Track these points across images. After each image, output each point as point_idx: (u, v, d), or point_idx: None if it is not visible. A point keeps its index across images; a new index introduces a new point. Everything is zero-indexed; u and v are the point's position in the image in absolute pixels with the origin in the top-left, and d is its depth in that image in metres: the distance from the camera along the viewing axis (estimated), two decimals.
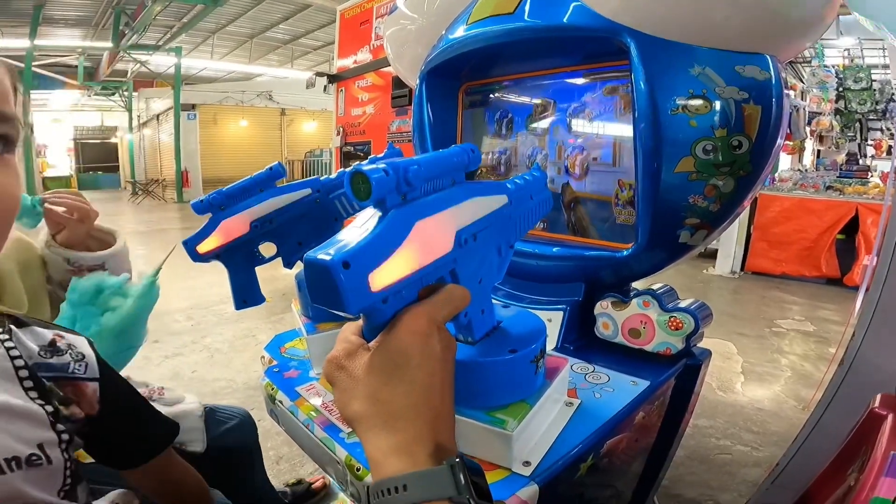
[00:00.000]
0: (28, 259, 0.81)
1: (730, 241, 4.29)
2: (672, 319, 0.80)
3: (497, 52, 1.00)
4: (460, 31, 0.98)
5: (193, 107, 12.23)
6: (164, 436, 0.61)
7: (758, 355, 2.54)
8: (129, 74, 13.30)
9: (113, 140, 17.97)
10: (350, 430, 0.64)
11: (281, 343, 1.01)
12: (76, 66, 12.13)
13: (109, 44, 10.46)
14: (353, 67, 2.13)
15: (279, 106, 13.71)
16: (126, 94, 14.67)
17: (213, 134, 12.90)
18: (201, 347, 2.64)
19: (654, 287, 0.87)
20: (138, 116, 15.24)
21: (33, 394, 0.47)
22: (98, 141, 17.91)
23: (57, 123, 16.40)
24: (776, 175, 4.86)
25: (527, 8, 0.86)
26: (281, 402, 0.83)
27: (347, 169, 0.38)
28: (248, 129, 13.59)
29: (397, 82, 1.92)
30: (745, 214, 4.69)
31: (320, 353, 0.82)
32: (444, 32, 1.07)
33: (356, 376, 0.35)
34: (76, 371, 0.52)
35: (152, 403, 0.63)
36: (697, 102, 0.74)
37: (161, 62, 12.10)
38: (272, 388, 0.86)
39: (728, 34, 0.73)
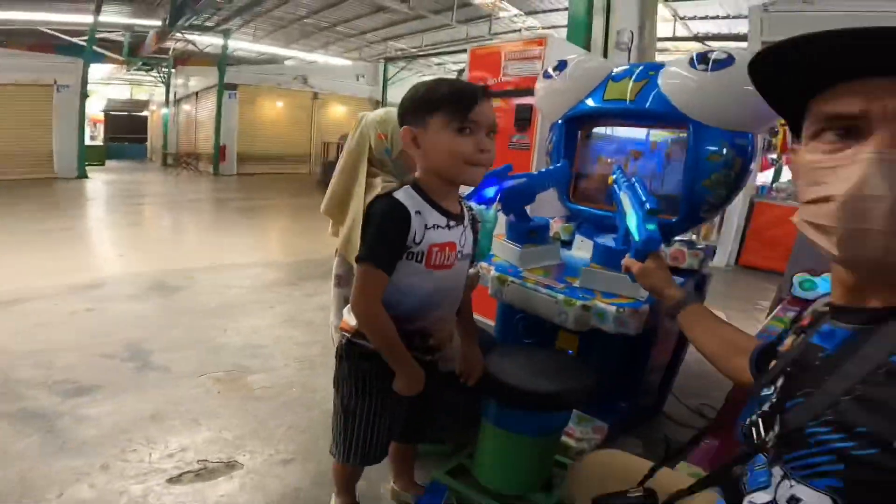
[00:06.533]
0: None
1: (727, 240, 5.45)
2: (693, 251, 2.03)
3: (614, 115, 2.11)
4: (592, 102, 2.10)
5: (235, 87, 13.68)
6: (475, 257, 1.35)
7: (742, 321, 3.61)
8: (171, 52, 14.65)
9: (142, 113, 19.40)
10: (564, 285, 1.71)
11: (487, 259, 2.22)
12: (120, 42, 13.53)
13: (158, 22, 11.75)
14: None
15: (312, 90, 15.23)
16: (165, 70, 16.10)
17: (250, 113, 14.38)
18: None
19: (684, 238, 2.21)
20: (175, 92, 16.66)
21: (471, 226, 1.21)
22: (126, 113, 19.38)
23: (91, 95, 17.69)
24: (774, 186, 5.85)
25: (637, 98, 1.93)
26: (512, 282, 1.84)
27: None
28: (282, 110, 15.14)
29: (520, 108, 2.78)
30: (741, 219, 5.65)
31: (522, 259, 1.90)
32: (583, 98, 2.14)
33: (658, 272, 1.13)
34: (477, 218, 1.29)
35: None
36: (716, 154, 1.83)
37: (202, 41, 13.40)
38: (503, 277, 1.87)
39: (732, 123, 1.78)
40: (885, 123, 0.52)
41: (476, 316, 1.59)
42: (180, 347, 2.60)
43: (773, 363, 0.71)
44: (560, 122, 2.19)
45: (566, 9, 9.56)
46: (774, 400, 0.64)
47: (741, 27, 6.92)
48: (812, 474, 0.56)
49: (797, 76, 0.58)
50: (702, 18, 9.31)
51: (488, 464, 1.49)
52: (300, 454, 1.76)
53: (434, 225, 1.09)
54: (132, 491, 1.51)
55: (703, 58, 1.76)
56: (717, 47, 1.86)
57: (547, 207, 2.15)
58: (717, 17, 9.14)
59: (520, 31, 11.01)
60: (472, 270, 1.66)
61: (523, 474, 1.46)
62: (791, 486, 0.57)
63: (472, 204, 1.65)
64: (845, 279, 0.61)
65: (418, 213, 1.06)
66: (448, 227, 1.11)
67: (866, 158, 0.52)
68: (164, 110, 17.00)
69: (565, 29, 10.51)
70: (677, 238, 1.96)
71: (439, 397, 1.32)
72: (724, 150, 1.78)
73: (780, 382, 0.65)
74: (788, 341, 0.70)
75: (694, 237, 2.36)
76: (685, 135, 1.85)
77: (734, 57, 1.70)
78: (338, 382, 1.23)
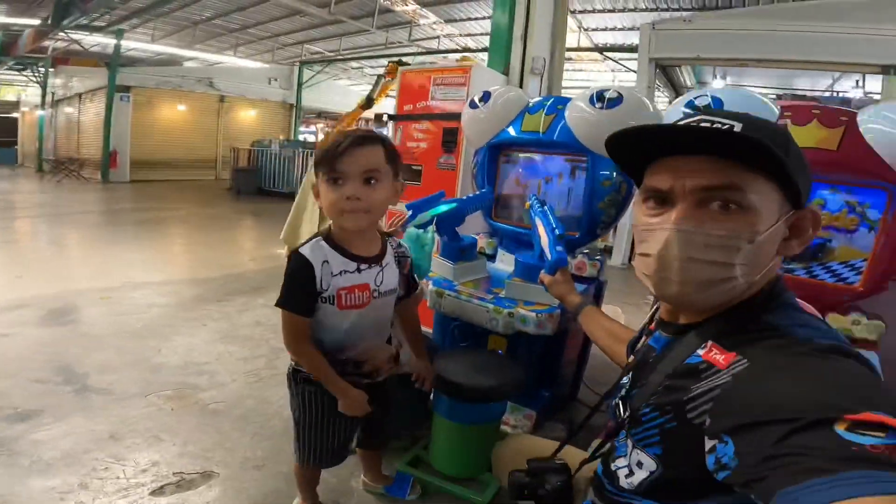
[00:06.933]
0: None
1: (620, 242, 6.40)
2: (593, 262, 2.53)
3: (529, 144, 2.63)
4: (512, 131, 2.63)
5: (128, 89, 12.94)
6: (416, 284, 1.54)
7: (634, 313, 3.88)
8: (49, 51, 13.59)
9: (12, 115, 17.70)
10: (492, 296, 2.10)
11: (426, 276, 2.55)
12: None
13: (36, 21, 11.08)
14: (412, 114, 3.19)
15: (219, 92, 14.73)
16: (41, 69, 14.88)
17: (146, 116, 13.67)
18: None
19: (586, 249, 2.69)
20: (52, 94, 15.38)
21: (396, 263, 1.38)
22: None
23: None
24: None
25: (548, 130, 2.63)
26: (449, 294, 2.22)
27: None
28: (184, 113, 14.54)
29: (447, 131, 3.07)
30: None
31: (456, 274, 2.28)
32: (504, 126, 2.61)
33: (564, 284, 1.48)
34: (406, 254, 1.43)
35: None
36: (608, 180, 2.36)
37: (88, 40, 12.71)
38: (440, 290, 2.33)
39: None
40: (683, 198, 0.69)
41: None
42: (116, 369, 2.65)
43: (631, 357, 0.92)
44: (484, 147, 2.57)
45: (483, 18, 10.26)
46: (627, 387, 0.85)
47: (635, 39, 7.80)
48: (646, 444, 0.75)
49: (634, 153, 0.76)
50: (602, 30, 10.22)
51: (442, 452, 1.81)
52: (270, 459, 1.95)
53: (341, 271, 1.24)
54: None
55: (600, 96, 2.21)
56: (611, 85, 2.28)
57: (470, 223, 2.48)
58: (615, 29, 10.09)
59: (438, 38, 11.43)
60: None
61: (472, 458, 1.77)
62: (637, 454, 0.77)
63: (409, 230, 1.95)
64: (665, 304, 0.84)
65: (325, 262, 1.22)
66: (358, 270, 1.27)
67: (667, 228, 0.69)
68: (40, 112, 15.65)
69: (481, 37, 10.96)
70: (580, 250, 2.39)
71: (389, 411, 1.53)
72: (614, 176, 2.21)
73: (631, 374, 0.87)
74: (642, 341, 0.91)
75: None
76: (586, 163, 2.29)
77: (623, 96, 2.16)
78: (291, 401, 1.44)
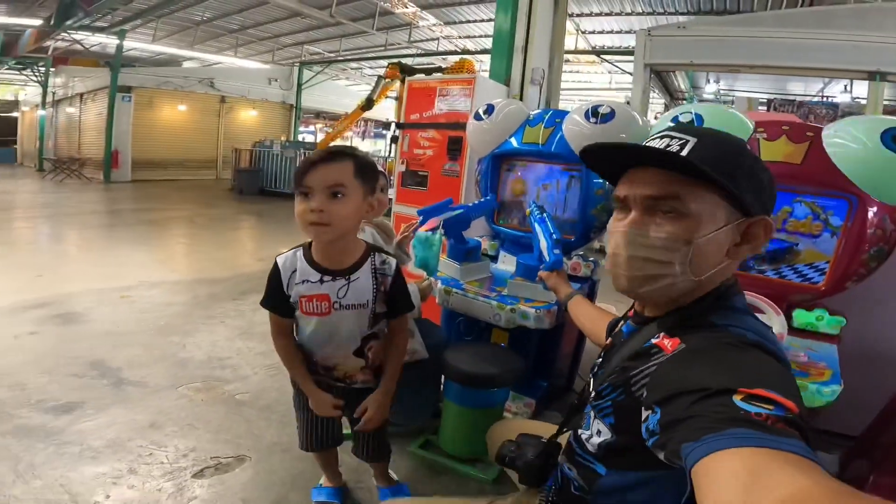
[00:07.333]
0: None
1: None
2: (587, 263, 2.77)
3: (529, 154, 2.96)
4: (514, 143, 2.96)
5: (129, 89, 13.13)
6: (406, 308, 1.46)
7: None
8: (49, 51, 13.78)
9: (13, 114, 17.91)
10: (495, 293, 2.34)
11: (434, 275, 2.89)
12: None
13: (38, 22, 11.32)
14: (418, 123, 3.38)
15: (220, 93, 14.92)
16: (41, 69, 15.08)
17: (147, 117, 13.88)
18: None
19: (580, 252, 2.92)
20: (53, 93, 15.57)
21: (373, 279, 1.37)
22: None
23: None
24: None
25: (547, 142, 2.92)
26: (456, 292, 2.46)
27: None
28: (185, 113, 14.76)
29: (451, 140, 3.24)
30: None
31: (462, 274, 2.54)
32: (506, 138, 3.00)
33: (559, 279, 1.71)
34: (387, 272, 1.38)
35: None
36: (601, 189, 2.58)
37: (89, 40, 12.95)
38: (448, 289, 2.55)
39: None
40: (636, 205, 0.80)
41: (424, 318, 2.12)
42: (146, 364, 2.87)
43: (608, 340, 1.03)
44: (487, 157, 2.77)
45: (481, 20, 10.49)
46: (598, 366, 0.98)
47: (632, 41, 7.99)
48: (604, 415, 0.85)
49: (609, 165, 0.87)
50: (599, 33, 10.44)
51: (451, 434, 2.05)
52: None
53: (303, 280, 1.34)
54: (167, 488, 1.81)
55: (595, 111, 2.42)
56: (604, 101, 2.48)
57: (474, 226, 2.70)
58: (612, 32, 10.31)
59: (438, 39, 11.65)
60: (424, 283, 2.19)
61: (478, 440, 1.97)
62: (598, 423, 0.87)
63: (419, 232, 2.17)
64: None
65: (294, 271, 1.34)
66: (321, 281, 1.34)
67: (620, 231, 0.81)
68: (41, 112, 15.84)
69: (480, 38, 11.13)
70: (575, 252, 2.60)
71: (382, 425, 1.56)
72: (606, 185, 2.42)
73: (602, 355, 0.99)
74: (619, 325, 1.01)
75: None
76: (581, 173, 2.46)
77: (615, 112, 2.37)
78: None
